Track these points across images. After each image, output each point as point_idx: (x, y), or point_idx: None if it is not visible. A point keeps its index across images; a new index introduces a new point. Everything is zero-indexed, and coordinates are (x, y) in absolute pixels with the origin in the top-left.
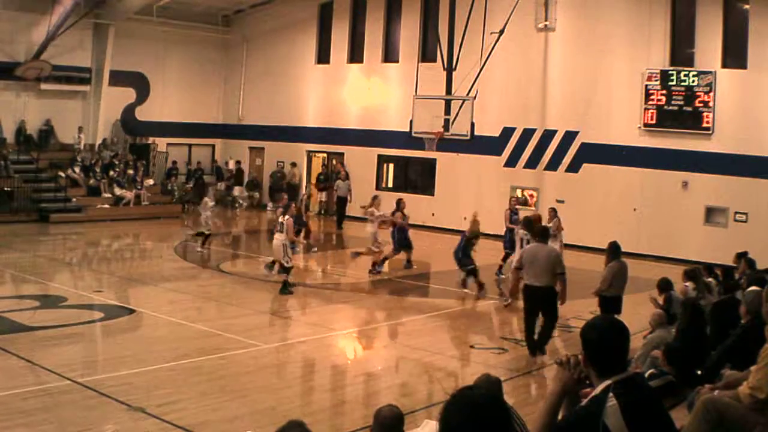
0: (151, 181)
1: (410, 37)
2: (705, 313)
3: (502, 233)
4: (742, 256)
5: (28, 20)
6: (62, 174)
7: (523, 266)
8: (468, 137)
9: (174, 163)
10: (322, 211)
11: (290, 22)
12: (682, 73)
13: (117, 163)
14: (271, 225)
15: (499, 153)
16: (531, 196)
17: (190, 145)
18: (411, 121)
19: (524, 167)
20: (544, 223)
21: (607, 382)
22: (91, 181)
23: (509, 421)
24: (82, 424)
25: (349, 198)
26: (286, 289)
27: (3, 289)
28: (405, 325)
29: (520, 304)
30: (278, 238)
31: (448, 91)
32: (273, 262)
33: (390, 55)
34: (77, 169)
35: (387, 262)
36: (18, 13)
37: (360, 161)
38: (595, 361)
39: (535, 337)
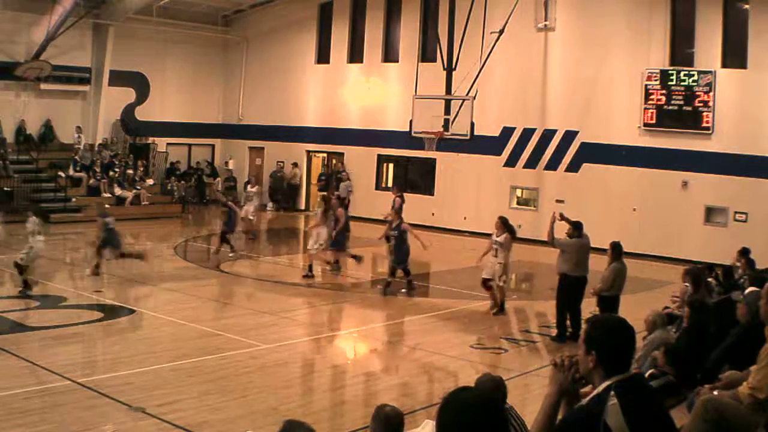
0: (151, 181)
1: (410, 37)
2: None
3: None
4: (743, 253)
5: (28, 20)
6: (62, 174)
7: (563, 249)
8: (468, 137)
9: (174, 163)
10: None
11: (290, 22)
12: (682, 73)
13: (117, 163)
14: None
15: (499, 153)
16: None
17: (190, 145)
18: (411, 121)
19: (524, 167)
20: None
21: (608, 381)
22: (91, 181)
23: (505, 421)
24: (82, 424)
25: (347, 199)
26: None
27: (3, 289)
28: (405, 325)
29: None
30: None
31: (448, 91)
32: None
33: (390, 55)
34: (71, 169)
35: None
36: (18, 13)
37: (360, 161)
38: (606, 361)
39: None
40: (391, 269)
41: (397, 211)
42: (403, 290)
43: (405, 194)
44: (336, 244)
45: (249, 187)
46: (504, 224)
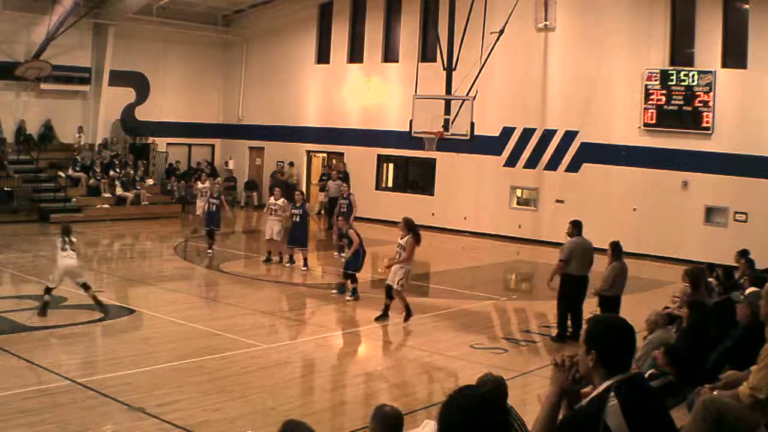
0: (151, 181)
1: (410, 37)
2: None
3: (502, 232)
4: (743, 254)
5: (28, 20)
6: (62, 174)
7: (571, 259)
8: (468, 137)
9: (175, 163)
10: (322, 211)
11: (290, 22)
12: (682, 73)
13: (117, 163)
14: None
15: (498, 153)
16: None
17: (190, 145)
18: (411, 121)
19: (524, 167)
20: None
21: (608, 381)
22: (91, 181)
23: (507, 420)
24: (82, 424)
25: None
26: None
27: (3, 289)
28: (405, 325)
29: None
30: (71, 256)
31: (448, 91)
32: None
33: (390, 55)
34: (78, 169)
35: None
36: (18, 13)
37: (360, 161)
38: (607, 361)
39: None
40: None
41: (346, 217)
42: (341, 294)
43: (405, 194)
44: (292, 241)
45: (200, 183)
46: (407, 225)
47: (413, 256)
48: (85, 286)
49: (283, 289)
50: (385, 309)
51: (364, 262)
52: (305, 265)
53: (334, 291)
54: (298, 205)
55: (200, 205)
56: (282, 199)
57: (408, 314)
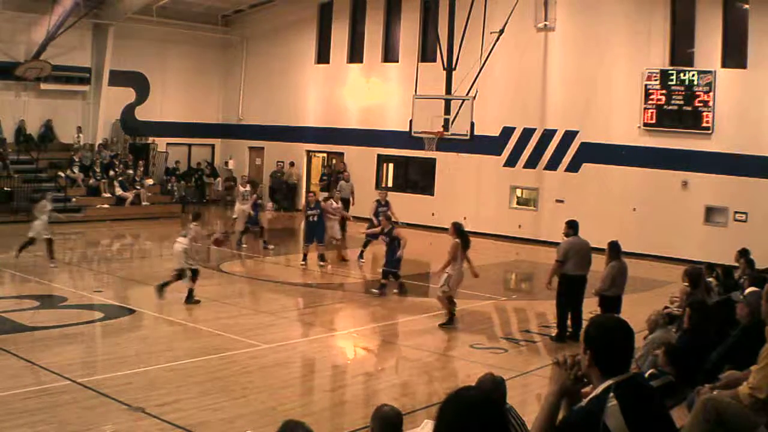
0: (150, 181)
1: (410, 37)
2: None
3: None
4: (743, 253)
5: (28, 20)
6: (62, 174)
7: (567, 259)
8: (468, 137)
9: (175, 163)
10: None
11: (290, 22)
12: (682, 73)
13: (117, 163)
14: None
15: (498, 153)
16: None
17: (189, 145)
18: (411, 121)
19: (524, 167)
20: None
21: (608, 382)
22: (91, 181)
23: (505, 421)
24: (82, 424)
25: (351, 200)
26: (191, 298)
27: (3, 289)
28: (405, 325)
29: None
30: (181, 242)
31: (448, 90)
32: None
33: (390, 55)
34: (76, 170)
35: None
36: (18, 13)
37: (360, 161)
38: (602, 361)
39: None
40: (383, 273)
41: (388, 217)
42: (395, 291)
43: (406, 194)
44: (309, 238)
45: (241, 186)
46: (454, 230)
47: (459, 262)
48: (180, 276)
49: (284, 289)
50: (451, 316)
51: (401, 260)
52: (322, 260)
53: (376, 291)
54: (312, 205)
55: (241, 208)
56: (330, 201)
57: (449, 321)
